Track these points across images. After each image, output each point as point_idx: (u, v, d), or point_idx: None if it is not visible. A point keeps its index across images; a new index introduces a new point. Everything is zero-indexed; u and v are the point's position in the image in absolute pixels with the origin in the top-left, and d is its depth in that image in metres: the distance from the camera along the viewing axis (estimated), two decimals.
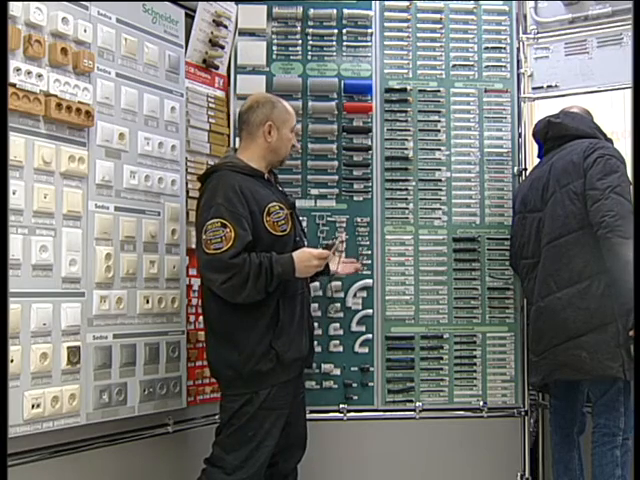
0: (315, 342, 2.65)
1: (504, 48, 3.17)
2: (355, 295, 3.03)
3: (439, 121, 3.12)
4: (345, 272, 2.82)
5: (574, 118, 2.85)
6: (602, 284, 2.62)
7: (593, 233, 2.61)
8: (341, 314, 3.02)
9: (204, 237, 2.30)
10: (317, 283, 2.92)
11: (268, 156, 2.52)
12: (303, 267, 2.36)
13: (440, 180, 3.10)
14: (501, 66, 3.17)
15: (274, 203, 2.43)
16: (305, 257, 2.36)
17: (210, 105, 2.94)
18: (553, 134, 2.87)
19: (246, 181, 2.41)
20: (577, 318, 2.66)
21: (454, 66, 3.14)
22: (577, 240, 2.68)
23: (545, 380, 2.88)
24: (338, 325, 3.01)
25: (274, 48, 3.07)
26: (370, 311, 3.03)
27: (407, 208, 3.08)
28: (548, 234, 2.77)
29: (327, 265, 2.62)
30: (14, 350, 2.10)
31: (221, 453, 2.38)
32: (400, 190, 3.08)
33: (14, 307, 2.10)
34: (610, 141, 2.83)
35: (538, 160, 2.99)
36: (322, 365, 2.96)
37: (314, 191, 3.04)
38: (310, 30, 3.09)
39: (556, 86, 3.23)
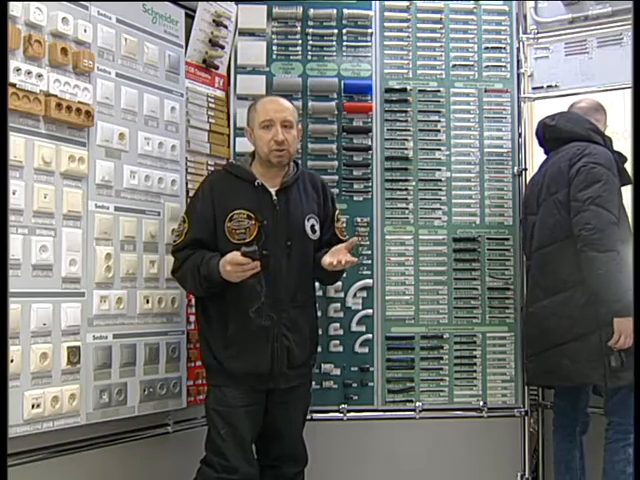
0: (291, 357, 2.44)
1: (504, 48, 3.17)
2: (355, 295, 3.03)
3: (439, 121, 3.12)
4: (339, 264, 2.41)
5: (569, 119, 2.83)
6: (586, 293, 2.63)
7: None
8: (341, 314, 3.01)
9: None
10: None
11: (260, 158, 2.49)
12: (225, 271, 2.27)
13: (440, 180, 3.10)
14: (501, 66, 3.17)
15: (241, 210, 2.39)
16: (222, 262, 2.28)
17: (210, 105, 2.93)
18: (549, 136, 2.88)
19: (229, 183, 2.45)
20: (560, 326, 2.69)
21: (454, 66, 3.14)
22: (562, 249, 2.70)
23: (533, 384, 2.96)
24: (338, 325, 3.01)
25: (274, 48, 3.07)
26: (370, 311, 3.03)
27: (407, 208, 3.08)
28: (537, 241, 2.81)
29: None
30: (14, 350, 2.10)
31: (212, 457, 2.40)
32: (400, 190, 3.08)
33: (14, 307, 2.10)
34: (609, 141, 2.80)
35: (545, 157, 2.96)
36: (322, 365, 2.96)
37: None
38: (310, 30, 3.08)
39: (556, 86, 3.22)
